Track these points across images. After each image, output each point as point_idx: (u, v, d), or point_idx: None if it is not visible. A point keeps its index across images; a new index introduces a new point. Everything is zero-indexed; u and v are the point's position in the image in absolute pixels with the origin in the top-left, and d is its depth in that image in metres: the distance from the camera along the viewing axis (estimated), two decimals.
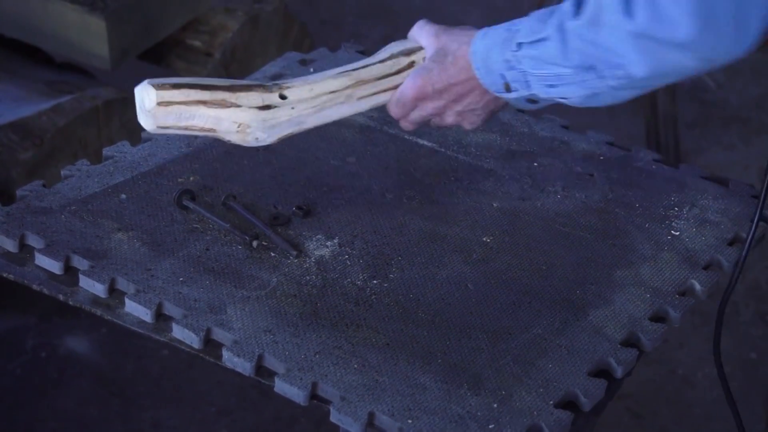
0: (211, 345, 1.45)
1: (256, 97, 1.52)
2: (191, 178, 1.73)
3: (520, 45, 1.44)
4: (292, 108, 1.54)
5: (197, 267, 1.55)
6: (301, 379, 1.39)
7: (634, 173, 1.84)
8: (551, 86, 1.45)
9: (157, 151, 1.77)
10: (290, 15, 3.18)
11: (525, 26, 1.45)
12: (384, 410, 1.36)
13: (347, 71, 1.58)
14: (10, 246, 1.57)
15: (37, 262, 1.55)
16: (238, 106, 1.51)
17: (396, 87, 1.59)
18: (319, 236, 1.63)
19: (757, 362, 2.93)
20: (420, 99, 1.57)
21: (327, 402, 1.38)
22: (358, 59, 2.09)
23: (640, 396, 2.83)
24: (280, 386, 1.40)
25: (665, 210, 1.76)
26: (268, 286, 1.53)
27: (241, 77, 2.05)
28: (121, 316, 1.49)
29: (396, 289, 1.55)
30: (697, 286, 1.62)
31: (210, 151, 1.79)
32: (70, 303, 1.51)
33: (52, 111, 2.60)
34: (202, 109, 1.50)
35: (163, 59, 3.02)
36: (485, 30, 1.51)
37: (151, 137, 1.81)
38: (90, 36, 2.74)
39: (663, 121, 3.61)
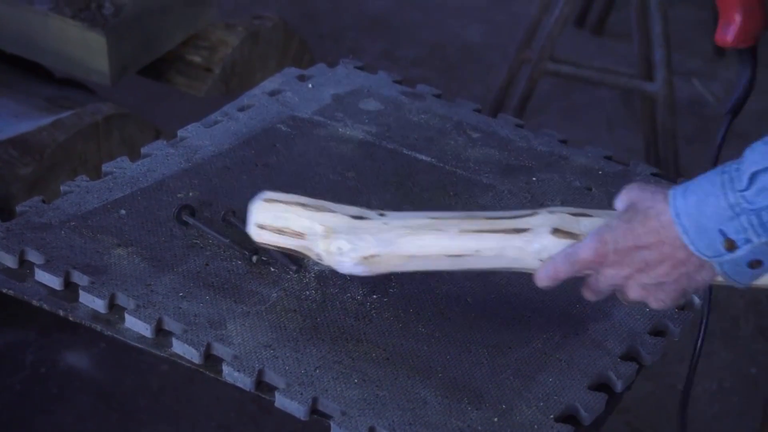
0: (211, 360, 1.45)
1: (354, 210, 1.48)
2: (191, 194, 1.73)
3: (753, 177, 1.20)
4: (385, 224, 1.44)
5: (197, 282, 1.55)
6: (301, 393, 1.39)
7: None
8: None
9: (156, 167, 1.78)
10: (290, 30, 3.19)
11: (748, 158, 1.22)
12: (385, 425, 1.36)
13: (463, 211, 1.47)
14: (10, 262, 1.57)
15: (37, 277, 1.55)
16: (333, 212, 1.47)
17: (507, 231, 1.40)
18: None
19: (757, 377, 2.93)
20: (597, 263, 1.33)
21: (328, 417, 1.39)
22: (357, 74, 2.11)
23: (640, 410, 2.82)
24: (281, 401, 1.40)
25: None
26: (267, 301, 1.53)
27: (241, 92, 2.05)
28: (121, 332, 1.49)
29: (396, 303, 1.55)
30: (697, 300, 1.62)
31: (209, 167, 1.79)
32: (71, 319, 1.51)
33: (51, 126, 2.61)
34: (299, 211, 1.48)
35: (163, 75, 3.03)
36: (683, 185, 1.27)
37: (150, 153, 1.81)
38: (90, 51, 2.75)
39: (662, 136, 3.61)
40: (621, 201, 1.35)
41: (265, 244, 1.52)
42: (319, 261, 1.49)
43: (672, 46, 3.45)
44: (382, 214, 1.46)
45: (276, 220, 1.49)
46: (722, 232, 1.23)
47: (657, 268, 1.30)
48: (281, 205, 1.49)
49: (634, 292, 1.34)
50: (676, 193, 1.27)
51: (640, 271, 1.31)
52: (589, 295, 1.39)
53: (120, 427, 2.68)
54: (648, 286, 1.32)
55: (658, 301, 1.33)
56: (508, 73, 3.65)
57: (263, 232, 1.50)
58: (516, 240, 1.39)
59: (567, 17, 3.47)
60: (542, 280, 1.39)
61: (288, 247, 1.50)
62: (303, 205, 1.48)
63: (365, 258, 1.45)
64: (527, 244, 1.39)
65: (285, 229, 1.49)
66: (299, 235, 1.48)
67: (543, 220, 1.39)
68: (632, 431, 2.79)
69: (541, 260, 1.39)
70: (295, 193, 1.75)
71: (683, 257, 1.27)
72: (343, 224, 1.46)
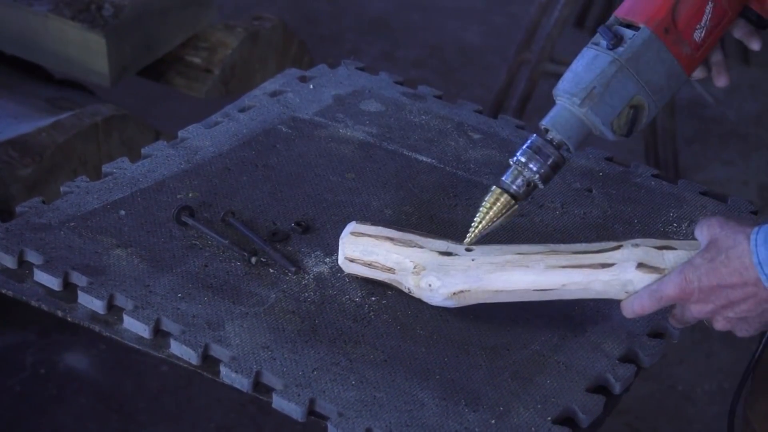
0: (209, 361, 1.45)
1: (441, 244, 1.52)
2: (190, 195, 1.73)
3: None
4: (472, 260, 1.49)
5: (196, 283, 1.55)
6: (299, 395, 1.39)
7: (633, 189, 1.84)
8: None
9: (156, 168, 1.78)
10: (290, 32, 3.19)
11: None
12: (382, 426, 1.36)
13: (546, 244, 1.49)
14: (9, 262, 1.57)
15: (36, 278, 1.55)
16: (421, 247, 1.51)
17: (593, 266, 1.44)
18: (317, 252, 1.63)
19: None
20: (683, 299, 1.40)
21: (325, 418, 1.38)
22: (358, 75, 2.10)
23: (640, 412, 2.82)
24: (278, 402, 1.40)
25: (664, 226, 1.76)
26: (266, 302, 1.53)
27: (240, 93, 2.05)
28: (119, 333, 1.49)
29: (394, 305, 1.55)
30: None
31: (209, 168, 1.79)
32: (69, 319, 1.51)
33: (51, 127, 2.61)
34: (387, 246, 1.52)
35: (163, 76, 3.03)
36: (765, 230, 1.33)
37: (150, 154, 1.81)
38: (90, 53, 2.75)
39: (662, 137, 3.61)
40: (701, 235, 1.40)
41: (354, 274, 1.57)
42: (409, 293, 1.53)
43: None
44: (468, 249, 1.50)
45: (366, 254, 1.54)
46: None
47: (741, 304, 1.37)
48: (370, 239, 1.54)
49: (719, 324, 1.40)
50: (758, 239, 1.32)
51: (725, 307, 1.38)
52: (675, 324, 1.46)
53: (119, 428, 2.68)
54: (732, 319, 1.39)
55: (742, 331, 1.41)
56: (508, 74, 3.65)
57: (353, 264, 1.55)
58: (602, 275, 1.44)
59: (566, 18, 3.47)
60: (628, 314, 1.45)
61: (377, 278, 1.55)
62: (391, 239, 1.53)
63: (454, 294, 1.49)
64: (613, 278, 1.44)
65: (375, 264, 1.54)
66: (389, 270, 1.53)
67: (628, 254, 1.43)
68: None
69: (627, 292, 1.44)
70: (297, 192, 1.75)
71: (766, 296, 1.34)
72: (432, 261, 1.50)
